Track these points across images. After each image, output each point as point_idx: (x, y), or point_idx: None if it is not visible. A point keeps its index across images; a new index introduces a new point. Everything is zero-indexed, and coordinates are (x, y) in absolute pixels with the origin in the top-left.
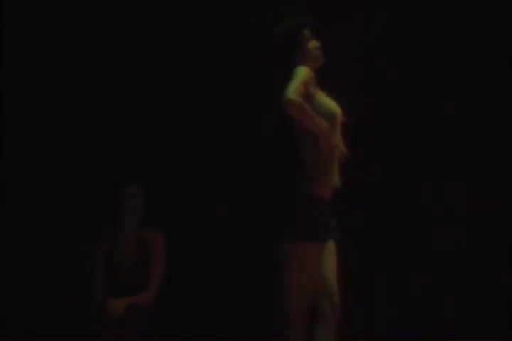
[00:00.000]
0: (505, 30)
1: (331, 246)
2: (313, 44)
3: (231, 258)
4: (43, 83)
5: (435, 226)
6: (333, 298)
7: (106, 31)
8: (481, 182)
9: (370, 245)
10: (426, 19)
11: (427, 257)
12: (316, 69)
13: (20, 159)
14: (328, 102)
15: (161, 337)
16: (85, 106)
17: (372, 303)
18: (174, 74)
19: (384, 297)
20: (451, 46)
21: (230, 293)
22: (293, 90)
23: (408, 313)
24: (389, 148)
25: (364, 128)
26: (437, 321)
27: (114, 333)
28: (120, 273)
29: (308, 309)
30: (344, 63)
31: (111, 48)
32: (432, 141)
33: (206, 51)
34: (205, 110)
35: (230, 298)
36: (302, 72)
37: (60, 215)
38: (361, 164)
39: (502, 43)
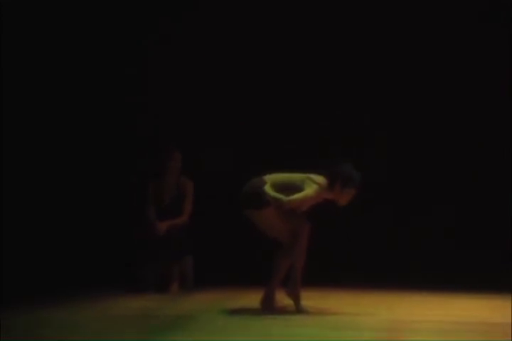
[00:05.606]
0: None
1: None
2: (352, 191)
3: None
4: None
5: None
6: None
7: (102, 32)
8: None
9: None
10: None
11: None
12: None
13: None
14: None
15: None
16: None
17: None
18: None
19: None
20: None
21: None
22: (292, 200)
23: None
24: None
25: None
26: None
27: (160, 245)
28: (164, 205)
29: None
30: None
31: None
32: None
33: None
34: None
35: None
36: (314, 191)
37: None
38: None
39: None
